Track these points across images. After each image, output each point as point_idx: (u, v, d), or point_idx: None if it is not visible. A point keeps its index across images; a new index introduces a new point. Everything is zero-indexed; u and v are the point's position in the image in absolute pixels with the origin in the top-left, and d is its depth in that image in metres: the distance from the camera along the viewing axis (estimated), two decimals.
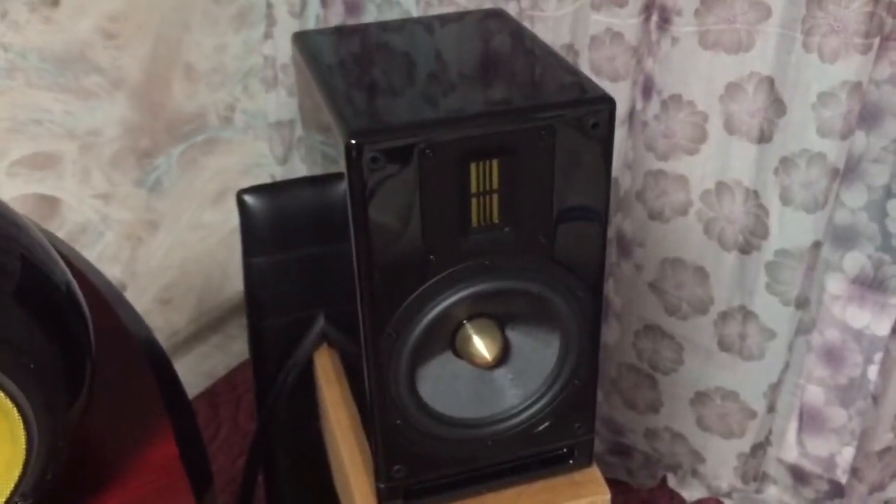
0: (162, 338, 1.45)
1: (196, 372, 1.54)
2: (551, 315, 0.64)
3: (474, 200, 0.59)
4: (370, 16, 1.32)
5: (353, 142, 0.55)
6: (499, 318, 0.64)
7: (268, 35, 1.41)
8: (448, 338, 0.64)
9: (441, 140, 0.56)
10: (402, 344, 0.61)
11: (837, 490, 1.24)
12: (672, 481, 1.36)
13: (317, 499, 0.87)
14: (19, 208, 1.21)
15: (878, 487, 1.17)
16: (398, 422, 0.64)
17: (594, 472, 0.71)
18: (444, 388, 0.64)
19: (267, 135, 1.51)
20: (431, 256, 0.59)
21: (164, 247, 1.43)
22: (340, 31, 0.80)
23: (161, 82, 1.34)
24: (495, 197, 0.59)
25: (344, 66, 0.68)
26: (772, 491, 1.31)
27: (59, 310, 0.51)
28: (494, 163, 0.58)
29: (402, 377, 0.62)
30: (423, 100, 0.61)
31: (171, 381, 0.67)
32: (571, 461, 0.70)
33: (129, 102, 1.30)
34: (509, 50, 0.69)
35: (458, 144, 0.57)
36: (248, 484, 0.89)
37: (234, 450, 1.42)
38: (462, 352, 0.64)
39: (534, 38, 0.70)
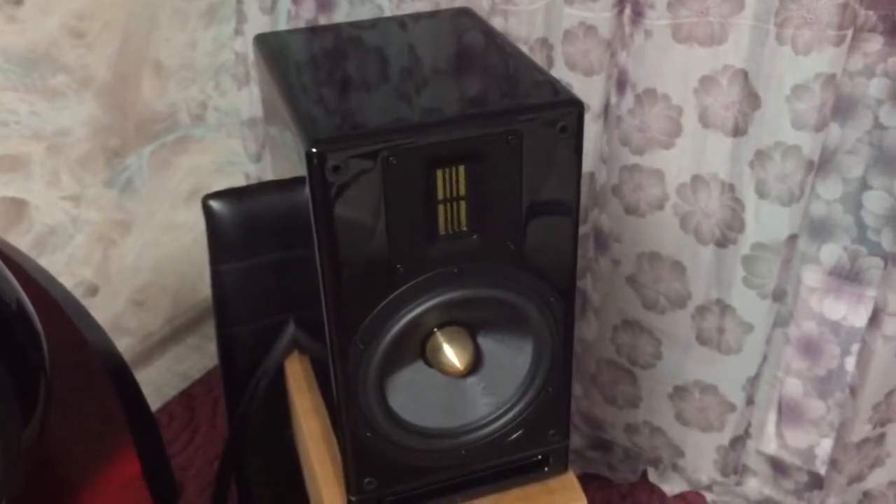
0: (136, 340, 1.45)
1: (172, 373, 1.52)
2: (523, 322, 0.62)
3: (441, 207, 0.58)
4: (342, 11, 1.30)
5: (315, 150, 0.53)
6: (470, 325, 0.63)
7: (238, 31, 1.39)
8: (418, 347, 0.63)
9: (405, 147, 0.55)
10: (370, 355, 0.60)
11: (817, 481, 1.25)
12: (652, 475, 1.36)
13: None
14: None
15: (857, 479, 1.18)
16: (368, 434, 0.63)
17: (570, 479, 0.70)
18: (415, 398, 0.63)
19: (240, 132, 1.49)
20: (398, 265, 0.58)
21: (137, 248, 1.41)
22: (301, 34, 0.78)
23: (130, 80, 1.32)
24: (462, 204, 0.58)
25: (305, 71, 0.67)
26: (752, 483, 1.31)
27: (7, 329, 0.50)
28: (461, 169, 0.57)
29: (372, 389, 0.61)
30: (386, 105, 0.60)
31: (133, 394, 0.65)
32: (546, 468, 0.69)
33: (97, 102, 1.28)
34: (476, 51, 0.68)
35: (423, 151, 0.55)
36: (221, 492, 0.88)
37: (212, 452, 1.40)
38: (433, 361, 0.63)
39: (502, 38, 0.69)
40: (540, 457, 0.69)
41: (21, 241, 1.24)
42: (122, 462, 0.57)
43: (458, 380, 0.64)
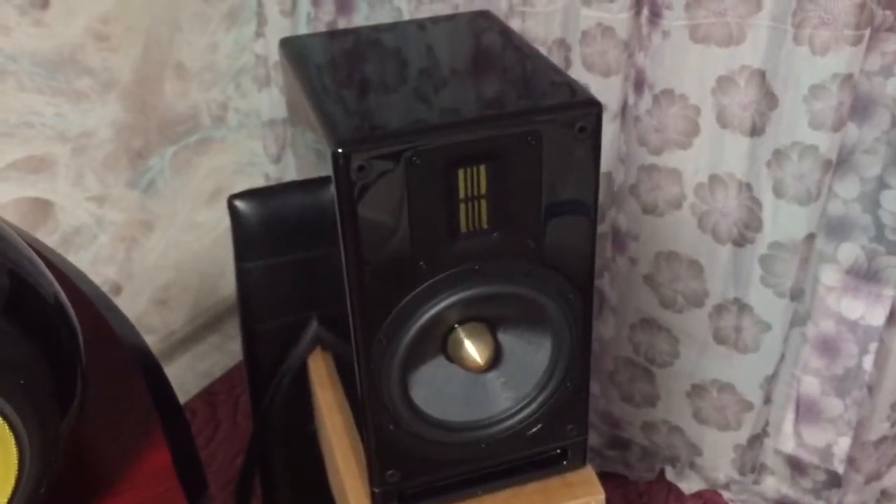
0: (158, 338, 1.47)
1: (194, 372, 1.54)
2: (542, 318, 0.64)
3: (462, 206, 0.59)
4: (361, 14, 1.32)
5: (341, 150, 0.55)
6: (490, 321, 0.64)
7: (259, 34, 1.41)
8: (440, 342, 0.64)
9: (428, 147, 0.56)
10: (393, 350, 0.61)
11: (835, 480, 1.25)
12: (670, 474, 1.37)
13: (313, 500, 0.87)
14: (13, 212, 1.21)
15: (875, 477, 1.18)
16: (391, 427, 0.64)
17: (588, 473, 0.71)
18: (436, 392, 0.65)
19: (260, 133, 1.50)
20: (421, 262, 0.59)
21: (160, 247, 1.43)
22: (324, 37, 0.80)
23: (153, 83, 1.34)
24: (483, 202, 0.59)
25: (329, 73, 0.68)
26: (769, 482, 1.32)
27: (47, 323, 0.51)
28: (482, 168, 0.58)
29: (395, 383, 0.62)
30: (409, 107, 0.61)
31: (162, 387, 0.67)
32: (565, 462, 0.70)
33: (121, 104, 1.30)
34: (496, 53, 0.69)
35: (445, 151, 0.57)
36: (245, 487, 0.90)
37: (233, 449, 1.42)
38: (454, 356, 0.64)
39: (520, 40, 0.70)
40: (559, 451, 0.70)
41: (47, 241, 1.26)
42: (154, 452, 0.59)
43: (479, 374, 0.65)
